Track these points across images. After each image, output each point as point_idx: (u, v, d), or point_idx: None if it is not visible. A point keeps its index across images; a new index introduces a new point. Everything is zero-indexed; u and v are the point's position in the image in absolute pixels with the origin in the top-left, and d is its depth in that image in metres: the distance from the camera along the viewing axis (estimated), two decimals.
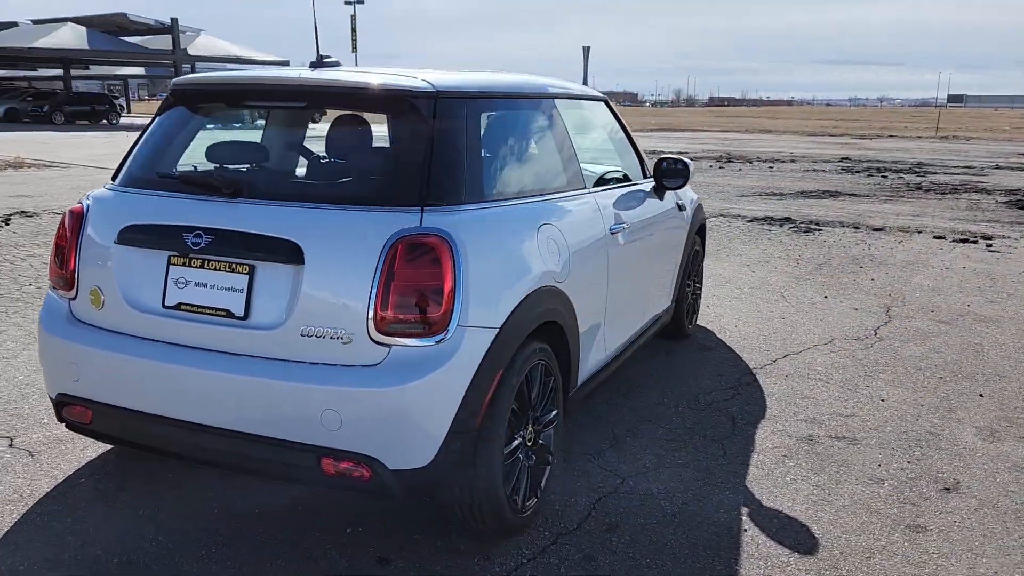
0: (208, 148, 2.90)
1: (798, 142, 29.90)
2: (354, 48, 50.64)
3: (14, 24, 37.30)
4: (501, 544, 2.82)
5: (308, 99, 2.90)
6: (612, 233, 3.54)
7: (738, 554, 2.80)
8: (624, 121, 4.36)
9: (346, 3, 50.16)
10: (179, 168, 2.95)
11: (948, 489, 3.31)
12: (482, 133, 2.89)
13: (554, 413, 3.07)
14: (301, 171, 3.34)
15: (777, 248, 8.50)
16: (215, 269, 2.62)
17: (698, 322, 5.59)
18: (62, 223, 2.92)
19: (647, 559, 2.76)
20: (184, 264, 2.65)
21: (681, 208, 4.72)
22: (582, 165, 3.77)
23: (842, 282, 6.97)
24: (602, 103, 4.20)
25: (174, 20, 35.63)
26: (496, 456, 2.64)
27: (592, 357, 3.48)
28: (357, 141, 2.96)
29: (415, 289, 2.45)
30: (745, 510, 3.10)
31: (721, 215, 10.61)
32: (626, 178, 4.21)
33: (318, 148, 3.17)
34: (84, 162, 16.91)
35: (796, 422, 3.95)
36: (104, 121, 34.93)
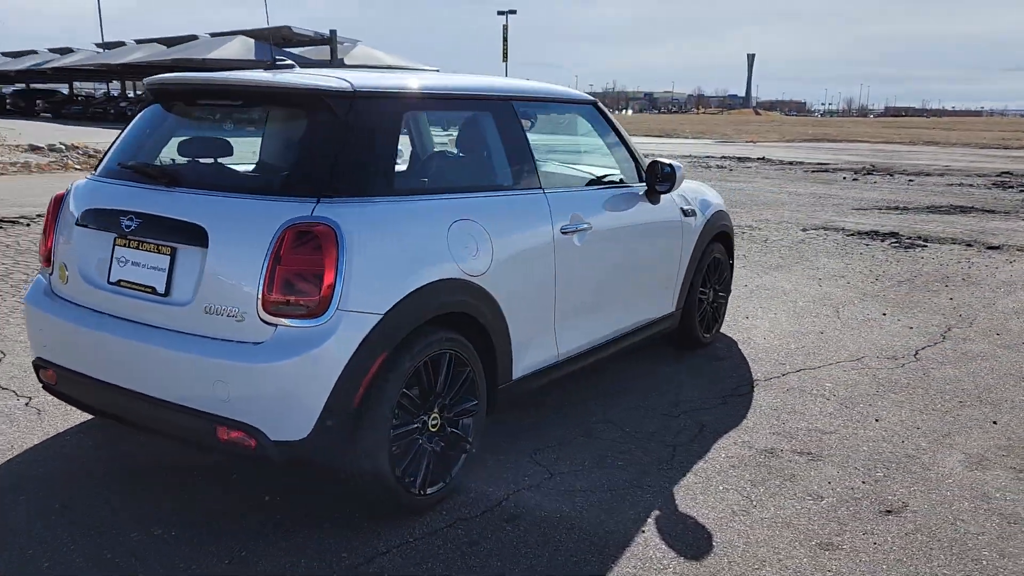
0: (179, 144, 3.23)
1: (962, 155, 27.88)
2: (505, 57, 51.54)
3: (194, 37, 40.75)
4: (398, 522, 2.96)
5: (244, 98, 3.15)
6: (565, 233, 3.59)
7: (620, 554, 2.81)
8: (619, 125, 4.38)
9: (499, 13, 51.30)
10: (149, 160, 3.28)
11: (889, 512, 3.14)
12: (400, 132, 3.05)
13: (473, 403, 3.18)
14: (231, 163, 3.55)
15: (862, 263, 8.10)
16: (146, 250, 2.92)
17: (728, 332, 5.48)
18: (47, 207, 3.33)
19: (527, 550, 2.82)
20: (125, 245, 2.97)
21: (688, 213, 4.67)
22: (558, 166, 3.84)
23: (913, 300, 6.57)
24: (590, 107, 4.24)
25: (332, 32, 37.77)
26: (380, 436, 2.79)
27: (535, 354, 3.54)
28: (280, 136, 3.19)
29: (298, 274, 2.64)
30: (656, 513, 3.09)
31: (822, 228, 10.19)
32: (621, 182, 4.26)
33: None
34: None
35: (766, 435, 3.84)
36: None
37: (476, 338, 3.18)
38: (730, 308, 5.79)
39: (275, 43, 39.02)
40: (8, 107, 43.79)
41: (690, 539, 2.92)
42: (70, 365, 3.08)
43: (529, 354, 3.52)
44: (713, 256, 5.04)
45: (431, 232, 2.97)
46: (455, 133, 3.35)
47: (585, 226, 3.73)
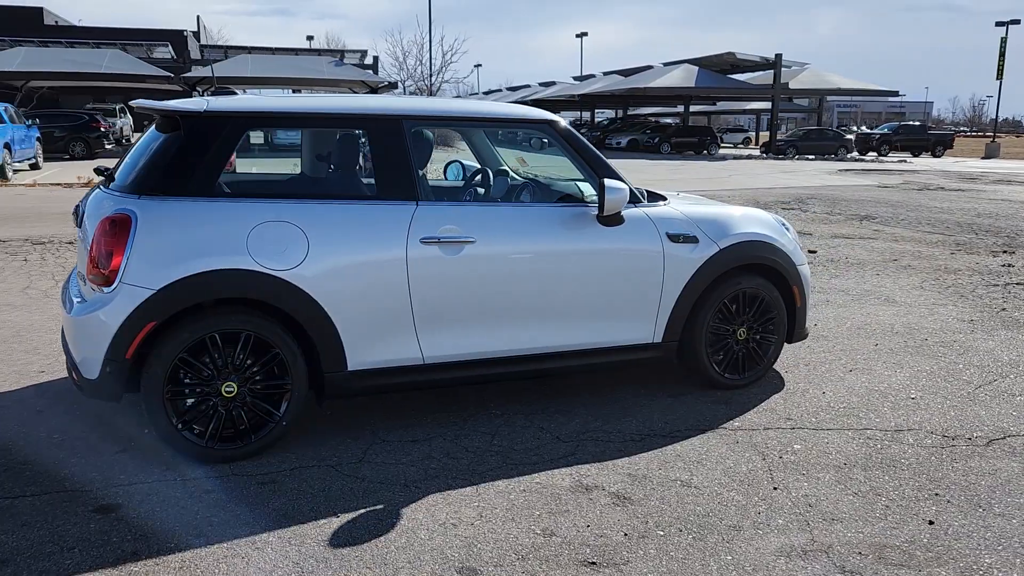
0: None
1: None
2: (999, 75, 45.14)
3: (649, 67, 43.39)
4: (192, 465, 3.57)
5: (154, 117, 3.98)
6: (426, 244, 3.81)
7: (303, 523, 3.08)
8: (584, 145, 4.32)
9: (997, 24, 45.10)
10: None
11: (627, 535, 2.86)
12: (238, 145, 3.66)
13: (285, 381, 3.64)
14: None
15: None
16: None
17: (794, 379, 4.89)
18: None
19: (219, 508, 3.24)
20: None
21: (679, 239, 4.36)
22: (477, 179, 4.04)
23: None
24: (545, 125, 4.27)
25: (778, 56, 37.28)
26: (156, 389, 3.45)
27: (386, 353, 3.82)
28: (149, 147, 3.86)
29: (102, 251, 3.44)
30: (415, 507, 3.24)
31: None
32: (570, 198, 4.29)
33: None
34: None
35: (609, 474, 3.58)
36: (705, 152, 38.25)
37: (292, 325, 3.63)
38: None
39: (720, 69, 39.93)
40: None
41: (395, 521, 3.05)
42: None
43: (377, 351, 3.82)
44: (741, 290, 4.59)
45: (226, 230, 3.53)
46: (287, 148, 3.82)
47: (465, 239, 3.89)
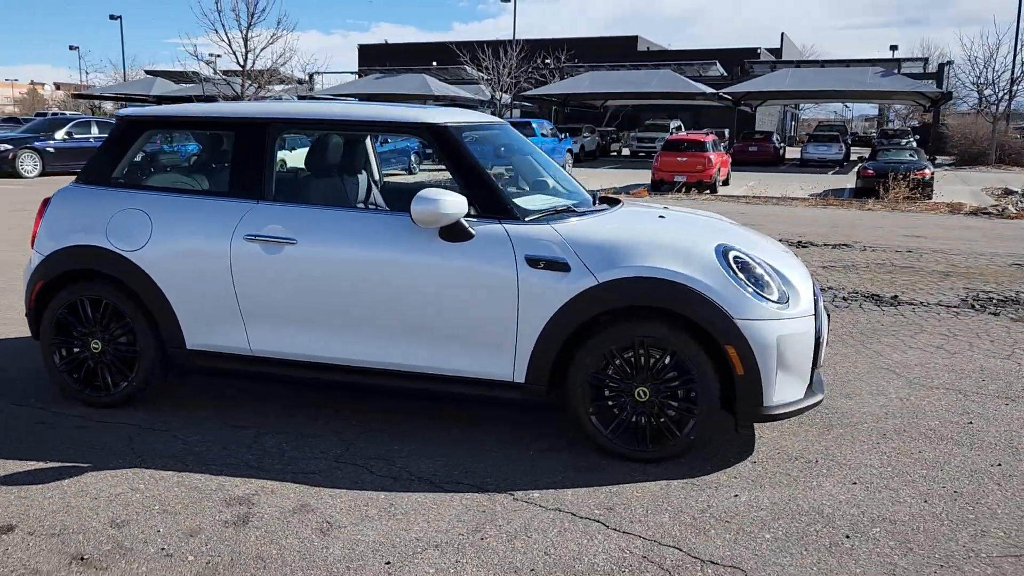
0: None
1: None
2: None
3: None
4: (64, 403, 4.36)
5: None
6: (249, 241, 3.98)
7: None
8: (466, 154, 3.91)
9: None
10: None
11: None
12: (132, 144, 4.34)
13: (136, 348, 4.21)
14: None
15: None
16: None
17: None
18: None
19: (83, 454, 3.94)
20: None
21: (544, 264, 3.67)
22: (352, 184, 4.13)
23: None
24: (424, 130, 3.99)
25: None
26: (46, 334, 4.31)
27: (218, 339, 4.09)
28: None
29: (35, 228, 4.44)
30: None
31: None
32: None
33: None
34: None
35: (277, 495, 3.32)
36: None
37: (133, 297, 4.17)
38: None
39: None
40: None
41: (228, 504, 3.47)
42: None
43: (212, 335, 4.12)
44: (639, 339, 3.66)
45: (97, 212, 4.21)
46: (178, 147, 4.18)
47: (286, 239, 3.94)
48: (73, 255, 4.25)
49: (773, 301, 3.68)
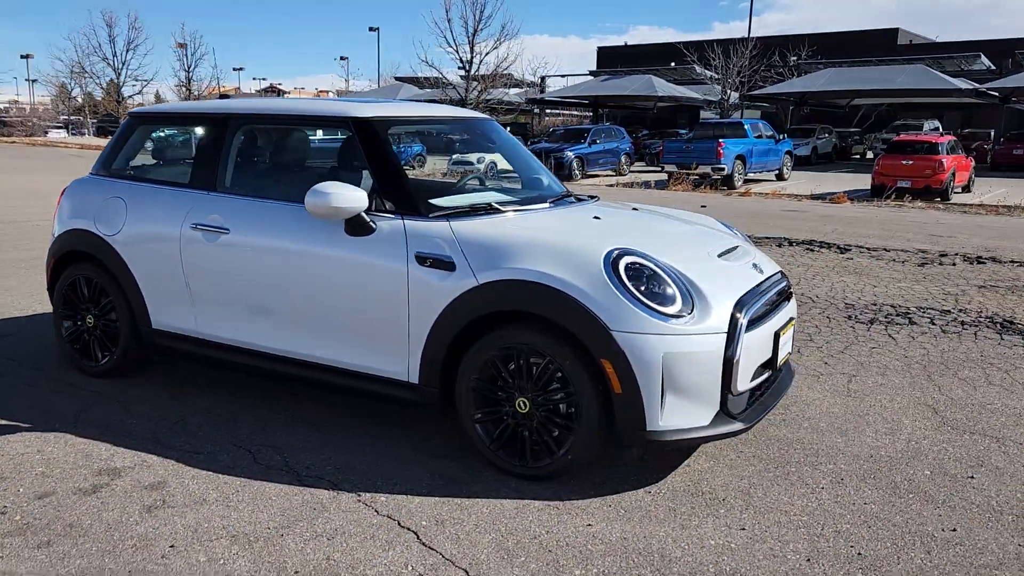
0: None
1: None
2: None
3: None
4: (68, 370, 4.84)
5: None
6: (195, 229, 4.19)
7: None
8: (384, 150, 3.86)
9: None
10: None
11: None
12: (137, 139, 4.74)
13: (117, 323, 4.59)
14: None
15: None
16: None
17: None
18: None
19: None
20: None
21: (433, 263, 3.53)
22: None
23: None
24: (348, 125, 3.97)
25: None
26: (55, 302, 4.82)
27: (173, 319, 4.34)
28: None
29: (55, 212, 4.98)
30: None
31: None
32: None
33: None
34: None
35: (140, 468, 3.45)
36: None
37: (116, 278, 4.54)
38: None
39: None
40: None
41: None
42: None
43: (169, 315, 4.39)
44: (516, 347, 3.42)
45: (91, 199, 4.64)
46: (173, 141, 4.45)
47: (221, 228, 4.11)
48: (71, 237, 4.71)
49: (665, 314, 3.26)
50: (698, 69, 39.35)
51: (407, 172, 4.32)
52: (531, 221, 3.80)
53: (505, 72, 34.51)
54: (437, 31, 64.32)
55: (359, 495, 3.36)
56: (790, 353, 3.90)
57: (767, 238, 10.79)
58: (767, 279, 3.81)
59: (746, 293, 3.54)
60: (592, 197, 4.50)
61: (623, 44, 59.86)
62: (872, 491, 3.45)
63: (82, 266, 4.69)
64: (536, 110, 47.60)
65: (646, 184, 22.79)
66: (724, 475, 3.58)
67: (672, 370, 3.23)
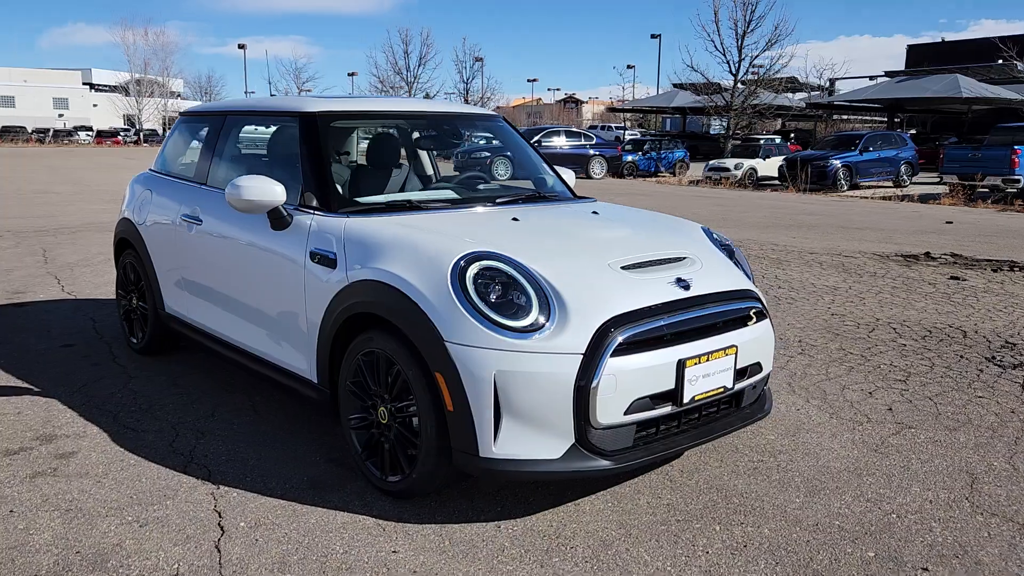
0: None
1: None
2: None
3: None
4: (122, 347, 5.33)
5: None
6: (184, 221, 4.43)
7: None
8: (320, 145, 3.80)
9: None
10: None
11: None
12: (171, 136, 5.11)
13: (145, 306, 5.00)
14: None
15: None
16: None
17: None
18: None
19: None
20: None
21: (320, 259, 3.42)
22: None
23: None
24: (295, 121, 3.94)
25: None
26: (116, 292, 5.36)
27: (176, 303, 4.62)
28: None
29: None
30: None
31: None
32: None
33: None
34: None
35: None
36: None
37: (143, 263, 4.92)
38: None
39: None
40: None
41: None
42: None
43: (174, 300, 4.68)
44: (374, 352, 3.21)
45: (135, 192, 5.09)
46: (203, 140, 4.69)
47: (196, 221, 4.31)
48: (121, 225, 5.21)
49: (506, 327, 2.86)
50: (1020, 66, 34.32)
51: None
52: (430, 222, 3.53)
53: (775, 76, 32.54)
54: (704, 35, 62.96)
55: (218, 487, 3.34)
56: (727, 388, 3.22)
57: None
58: (693, 298, 3.17)
59: (635, 311, 2.99)
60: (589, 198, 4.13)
61: (940, 40, 53.69)
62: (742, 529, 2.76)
63: (128, 252, 5.17)
64: (822, 115, 44.33)
65: (908, 198, 19.86)
66: (599, 522, 3.07)
67: (508, 391, 2.82)
